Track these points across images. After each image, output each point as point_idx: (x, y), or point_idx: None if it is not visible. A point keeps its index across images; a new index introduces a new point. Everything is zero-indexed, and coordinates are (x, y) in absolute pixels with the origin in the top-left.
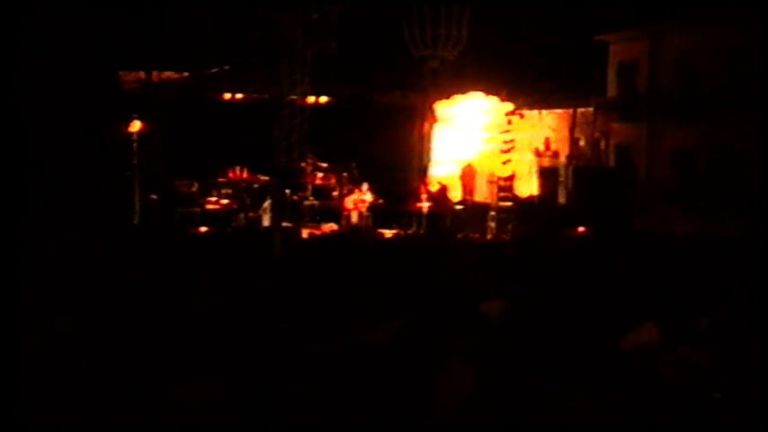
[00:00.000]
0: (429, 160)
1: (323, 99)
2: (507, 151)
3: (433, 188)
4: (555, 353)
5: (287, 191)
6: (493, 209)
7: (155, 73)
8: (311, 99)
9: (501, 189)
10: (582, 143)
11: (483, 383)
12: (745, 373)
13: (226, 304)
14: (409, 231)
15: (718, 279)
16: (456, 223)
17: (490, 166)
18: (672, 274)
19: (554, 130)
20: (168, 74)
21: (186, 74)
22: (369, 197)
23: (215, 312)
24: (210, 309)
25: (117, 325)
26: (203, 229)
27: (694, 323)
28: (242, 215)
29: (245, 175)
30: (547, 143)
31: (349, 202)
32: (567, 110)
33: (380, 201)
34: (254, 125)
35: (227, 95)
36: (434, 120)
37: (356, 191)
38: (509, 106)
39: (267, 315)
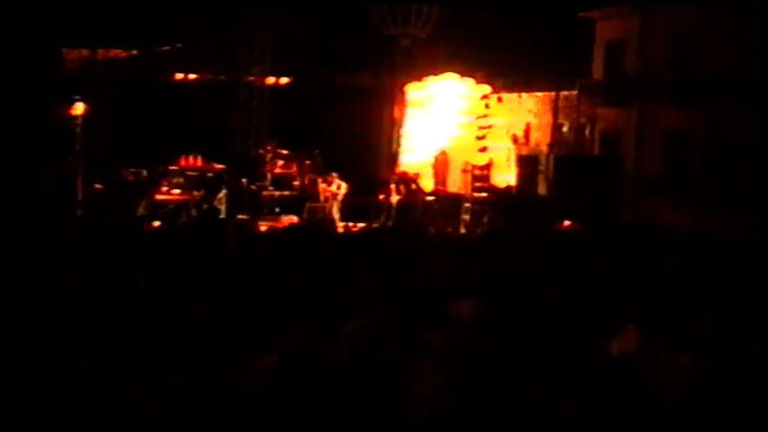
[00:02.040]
0: (399, 147)
1: (284, 80)
2: (483, 138)
3: (404, 177)
4: (531, 356)
5: (244, 180)
6: (467, 200)
7: (100, 50)
8: (271, 80)
9: (476, 179)
10: (565, 129)
11: (454, 390)
12: (731, 377)
13: (171, 307)
14: (377, 224)
15: (708, 277)
16: (427, 215)
17: (465, 153)
18: (660, 271)
19: (535, 114)
20: (115, 52)
21: (135, 52)
22: (344, 187)
23: (157, 316)
24: (153, 312)
25: (51, 328)
26: (152, 221)
27: (681, 324)
28: (194, 207)
29: (198, 162)
30: (527, 129)
31: (326, 191)
32: (548, 93)
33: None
34: (208, 108)
35: (180, 76)
36: (405, 103)
37: (320, 180)
38: (486, 89)
39: (216, 320)
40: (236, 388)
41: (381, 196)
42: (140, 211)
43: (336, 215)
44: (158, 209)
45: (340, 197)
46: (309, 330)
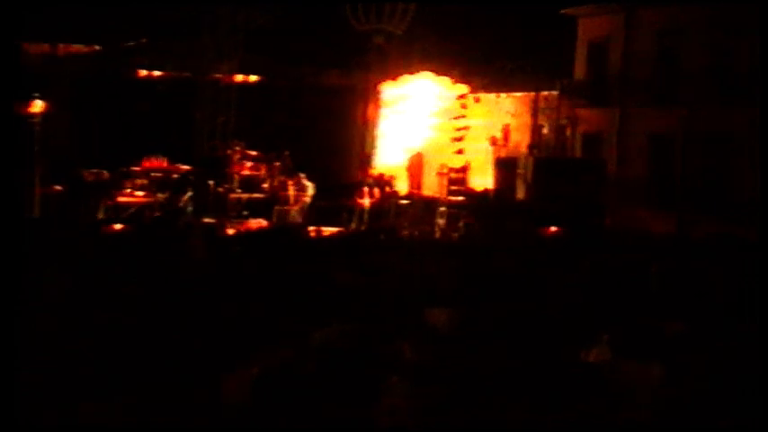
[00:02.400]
0: (373, 149)
1: (252, 78)
2: (460, 139)
3: (378, 180)
4: (505, 366)
5: (210, 182)
6: (443, 204)
7: (61, 45)
8: (239, 78)
9: (452, 182)
10: (545, 131)
11: (427, 402)
12: (706, 388)
13: (133, 316)
14: (349, 228)
15: (690, 284)
16: (401, 220)
17: (441, 155)
18: (640, 279)
19: (513, 115)
20: (76, 47)
21: (97, 47)
22: (311, 189)
23: (118, 326)
24: (114, 321)
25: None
26: (114, 225)
27: (657, 332)
28: (158, 209)
29: (162, 163)
30: (505, 131)
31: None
32: (528, 93)
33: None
34: (173, 107)
35: (144, 72)
36: (379, 103)
37: (290, 182)
38: (463, 88)
39: (183, 332)
40: (214, 403)
41: (354, 199)
42: (100, 213)
43: (299, 218)
44: (120, 211)
45: (307, 199)
46: (284, 344)
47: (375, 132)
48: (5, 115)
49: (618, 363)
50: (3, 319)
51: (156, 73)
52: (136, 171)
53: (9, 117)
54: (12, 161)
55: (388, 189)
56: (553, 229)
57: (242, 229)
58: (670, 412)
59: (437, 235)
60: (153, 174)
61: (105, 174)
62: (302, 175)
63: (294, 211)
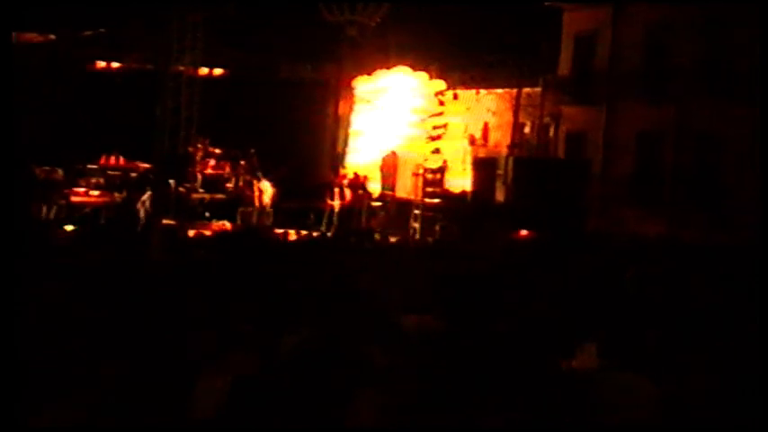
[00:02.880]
0: (345, 147)
1: (217, 71)
2: (437, 138)
3: (353, 181)
4: (483, 375)
5: (171, 181)
6: (418, 206)
7: (13, 34)
8: (203, 70)
9: (428, 183)
10: (527, 130)
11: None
12: (694, 402)
13: (84, 322)
14: (317, 232)
15: (679, 290)
16: (373, 223)
17: (416, 155)
18: (624, 284)
19: (494, 113)
20: (30, 35)
21: (52, 36)
22: (269, 189)
23: (66, 336)
24: (62, 331)
25: None
26: (67, 226)
27: (642, 342)
28: (115, 210)
29: (120, 161)
30: (485, 129)
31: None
32: (509, 90)
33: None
34: (133, 101)
35: (102, 64)
36: (352, 99)
37: (256, 182)
38: (441, 84)
39: (135, 339)
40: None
41: (323, 201)
42: (52, 214)
43: (268, 221)
44: (74, 212)
45: (267, 201)
46: (251, 351)
47: (347, 130)
48: None
49: (602, 372)
50: None
51: (115, 65)
52: (92, 169)
53: None
54: None
55: (360, 191)
56: (524, 232)
57: (204, 231)
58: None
59: (412, 239)
60: (110, 172)
61: (59, 171)
62: (259, 174)
63: (257, 213)
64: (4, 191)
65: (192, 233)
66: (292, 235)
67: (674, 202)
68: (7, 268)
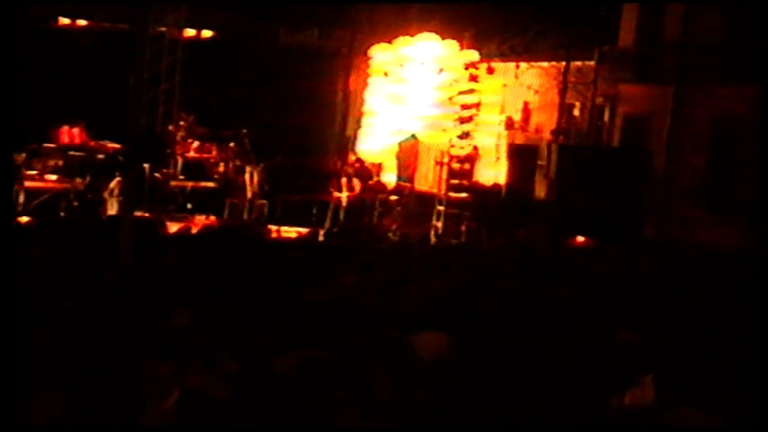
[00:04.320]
0: (356, 129)
1: (206, 34)
2: (467, 120)
3: (361, 169)
4: (511, 408)
5: (145, 165)
6: (441, 202)
7: None
8: (189, 33)
9: (454, 174)
10: (576, 112)
11: None
12: None
13: (38, 335)
14: (320, 230)
15: (751, 314)
16: (387, 220)
17: (441, 140)
18: (687, 307)
19: (536, 91)
20: None
21: None
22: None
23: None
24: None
25: None
26: (18, 217)
27: (707, 375)
28: (76, 198)
29: (84, 139)
30: (525, 110)
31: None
32: (556, 63)
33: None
34: (102, 68)
35: (65, 21)
36: (366, 71)
37: (248, 169)
38: (473, 55)
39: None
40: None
41: (328, 193)
42: None
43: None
44: (28, 200)
45: (248, 193)
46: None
47: (360, 108)
48: None
49: (667, 410)
50: None
51: (81, 23)
52: (49, 148)
53: None
54: None
55: (372, 181)
56: (580, 239)
57: (184, 226)
58: None
59: (432, 240)
60: (71, 153)
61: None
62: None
63: (249, 205)
64: None
65: (170, 229)
66: (290, 233)
67: (755, 206)
68: None
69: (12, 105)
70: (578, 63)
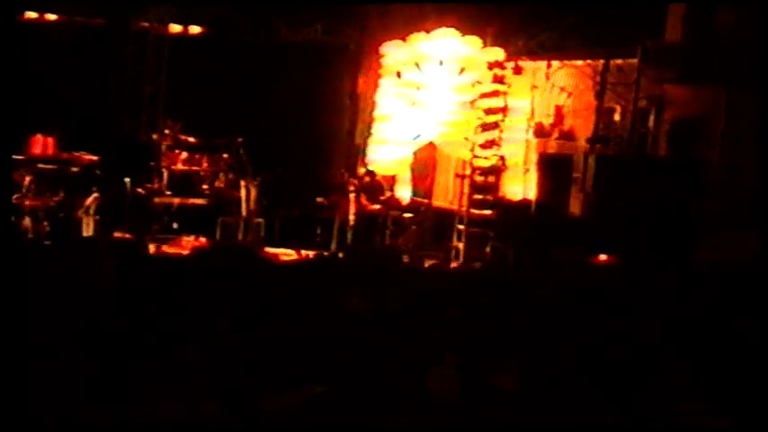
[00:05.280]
0: (366, 137)
1: (194, 30)
2: (492, 126)
3: (371, 182)
4: None
5: (126, 180)
6: (462, 219)
7: None
8: (176, 29)
9: (477, 188)
10: (616, 116)
11: None
12: None
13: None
14: (325, 253)
15: None
16: (401, 240)
17: (462, 149)
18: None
19: (570, 94)
20: None
21: None
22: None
23: None
24: None
25: None
26: None
27: None
28: (47, 218)
29: (55, 150)
30: (557, 115)
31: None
32: (593, 62)
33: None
34: (76, 68)
35: (32, 15)
36: (378, 72)
37: (243, 183)
38: (498, 54)
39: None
40: None
41: (334, 209)
42: None
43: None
44: None
45: (243, 210)
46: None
47: (371, 114)
48: None
49: None
50: None
51: (51, 17)
52: (17, 160)
53: None
54: None
55: (383, 197)
56: (603, 257)
57: (171, 249)
58: None
59: (453, 264)
60: (41, 165)
61: None
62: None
63: (245, 224)
64: None
65: (155, 249)
66: (291, 255)
67: None
68: None
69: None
70: (618, 61)
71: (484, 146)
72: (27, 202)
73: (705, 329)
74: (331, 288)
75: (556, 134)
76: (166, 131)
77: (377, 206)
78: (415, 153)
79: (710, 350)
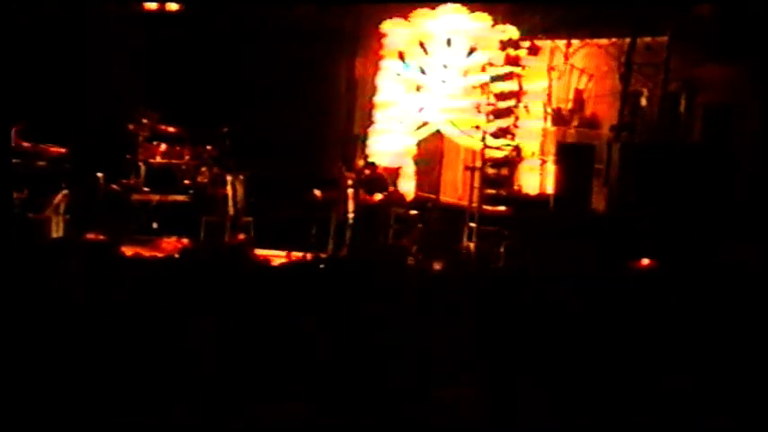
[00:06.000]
0: (366, 126)
1: (172, 6)
2: (505, 113)
3: (373, 176)
4: None
5: (99, 175)
6: (473, 216)
7: None
8: (151, 6)
9: (489, 181)
10: (643, 101)
11: None
12: None
13: None
14: (321, 255)
15: None
16: (405, 240)
17: (472, 139)
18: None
19: (591, 76)
20: None
21: None
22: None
23: None
24: None
25: None
26: None
27: None
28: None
29: (20, 142)
30: (577, 100)
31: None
32: (617, 40)
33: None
34: (43, 51)
35: None
36: (378, 54)
37: (229, 178)
38: (511, 32)
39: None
40: None
41: (331, 207)
42: None
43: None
44: None
45: (230, 208)
46: None
47: (370, 100)
48: None
49: None
50: None
51: None
52: None
53: None
54: None
55: (385, 192)
56: (645, 261)
57: (149, 252)
58: None
59: (464, 266)
60: None
61: None
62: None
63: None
64: None
65: (131, 252)
66: (281, 258)
67: None
68: None
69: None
70: (647, 39)
71: (496, 135)
72: None
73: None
74: (332, 295)
75: (576, 121)
76: (144, 121)
77: (379, 196)
78: (419, 143)
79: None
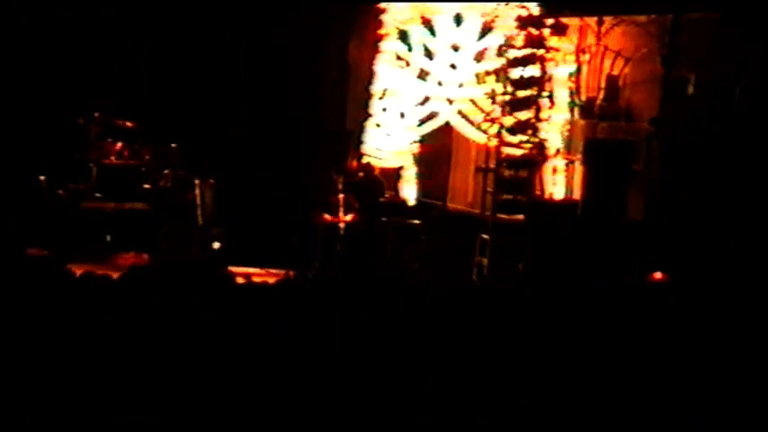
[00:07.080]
0: (362, 121)
1: None
2: (525, 105)
3: (366, 180)
4: None
5: (41, 177)
6: (486, 226)
7: None
8: None
9: (505, 185)
10: (690, 88)
11: None
12: None
13: None
14: (308, 272)
15: None
16: (407, 255)
17: (485, 134)
18: None
19: (629, 59)
20: None
21: None
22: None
23: None
24: None
25: None
26: None
27: None
28: None
29: None
30: (610, 87)
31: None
32: (657, 17)
33: None
34: None
35: None
36: (376, 34)
37: (198, 181)
38: (532, 7)
39: None
40: None
41: (318, 215)
42: None
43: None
44: None
45: (199, 217)
46: None
47: (367, 90)
48: None
49: None
50: None
51: None
52: None
53: None
54: None
55: (383, 198)
56: (658, 275)
57: (102, 270)
58: None
59: (475, 282)
60: None
61: None
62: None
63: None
64: None
65: (80, 271)
66: (262, 275)
67: None
68: None
69: None
70: (694, 15)
71: (514, 129)
72: None
73: None
74: (318, 320)
75: (609, 113)
76: (96, 115)
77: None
78: (423, 140)
79: None
